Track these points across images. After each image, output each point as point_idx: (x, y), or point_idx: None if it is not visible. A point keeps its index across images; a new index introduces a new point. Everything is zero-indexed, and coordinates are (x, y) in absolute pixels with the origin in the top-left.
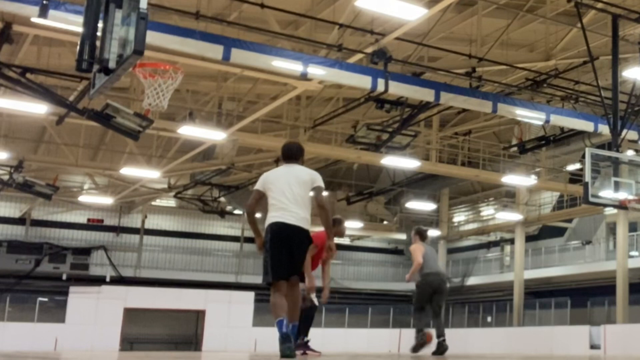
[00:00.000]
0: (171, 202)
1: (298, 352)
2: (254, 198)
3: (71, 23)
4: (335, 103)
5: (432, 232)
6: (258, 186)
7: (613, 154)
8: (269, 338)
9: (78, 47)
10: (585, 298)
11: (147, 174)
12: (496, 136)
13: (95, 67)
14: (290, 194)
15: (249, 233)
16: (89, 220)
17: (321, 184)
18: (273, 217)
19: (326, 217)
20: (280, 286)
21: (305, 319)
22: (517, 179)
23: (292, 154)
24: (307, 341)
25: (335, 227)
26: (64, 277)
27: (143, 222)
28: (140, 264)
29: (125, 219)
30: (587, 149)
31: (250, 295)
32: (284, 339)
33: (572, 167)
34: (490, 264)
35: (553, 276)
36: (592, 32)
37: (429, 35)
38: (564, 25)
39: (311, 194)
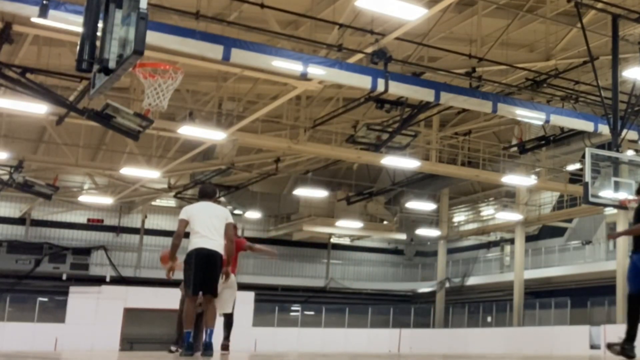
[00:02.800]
0: (171, 202)
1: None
2: (182, 226)
3: (71, 23)
4: (335, 103)
5: (432, 232)
6: (183, 216)
7: (613, 154)
8: (269, 338)
9: (78, 47)
10: (585, 298)
11: (147, 174)
12: (496, 136)
13: (95, 67)
14: (210, 225)
15: (249, 233)
16: (89, 220)
17: (232, 220)
18: (197, 242)
19: (231, 249)
20: (195, 299)
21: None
22: (517, 179)
23: (206, 194)
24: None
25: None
26: (64, 277)
27: (143, 222)
28: (140, 264)
29: (125, 219)
30: (587, 149)
31: (250, 296)
32: (188, 346)
33: (572, 167)
34: (490, 264)
35: (553, 276)
36: (592, 32)
37: (429, 35)
38: (564, 25)
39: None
